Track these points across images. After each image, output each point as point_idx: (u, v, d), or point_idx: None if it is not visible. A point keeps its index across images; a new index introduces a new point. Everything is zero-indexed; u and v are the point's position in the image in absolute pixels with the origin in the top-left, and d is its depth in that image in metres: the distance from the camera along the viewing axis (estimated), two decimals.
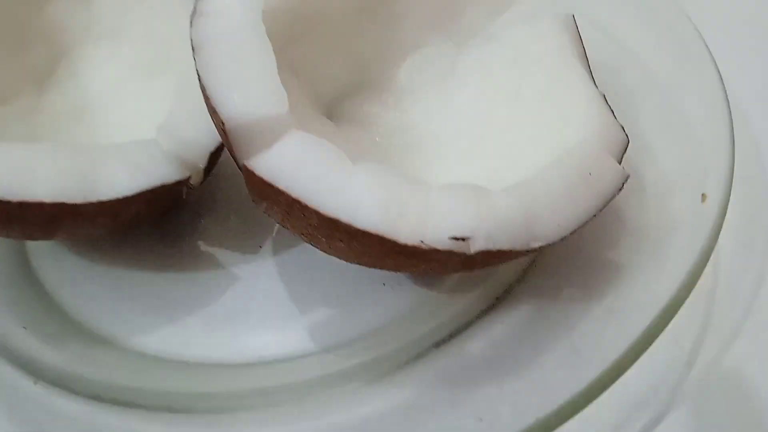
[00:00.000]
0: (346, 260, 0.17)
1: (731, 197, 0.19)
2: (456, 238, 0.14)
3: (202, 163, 0.18)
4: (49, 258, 0.22)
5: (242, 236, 0.22)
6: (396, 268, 0.16)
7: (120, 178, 0.17)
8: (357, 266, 0.18)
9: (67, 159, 0.17)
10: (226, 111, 0.15)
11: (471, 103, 0.21)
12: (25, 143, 0.17)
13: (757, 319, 0.21)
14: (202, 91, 0.15)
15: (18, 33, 0.23)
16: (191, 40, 0.16)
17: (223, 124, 0.15)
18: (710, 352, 0.20)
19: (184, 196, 0.19)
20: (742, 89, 0.24)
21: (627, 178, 0.17)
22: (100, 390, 0.18)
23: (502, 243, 0.14)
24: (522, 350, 0.17)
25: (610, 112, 0.18)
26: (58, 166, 0.16)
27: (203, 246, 0.22)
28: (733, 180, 0.19)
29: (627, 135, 0.18)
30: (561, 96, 0.19)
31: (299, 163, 0.14)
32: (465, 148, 0.20)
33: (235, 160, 0.15)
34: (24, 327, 0.20)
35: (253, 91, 0.15)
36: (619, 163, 0.17)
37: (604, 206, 0.16)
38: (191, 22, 0.16)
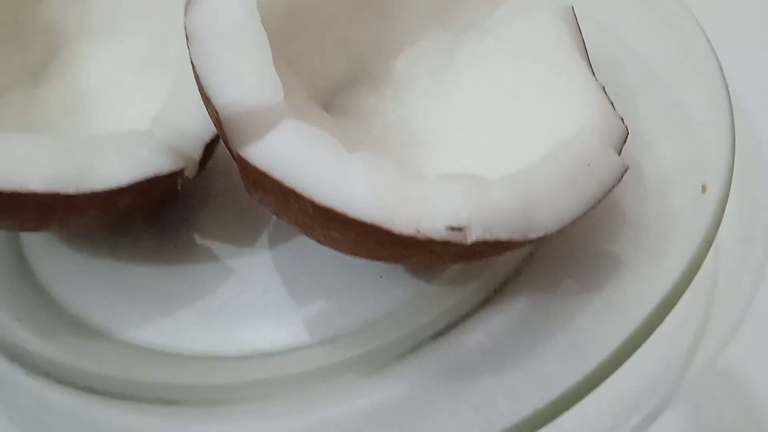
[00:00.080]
0: (342, 251, 0.17)
1: (731, 193, 0.19)
2: (452, 228, 0.14)
3: (196, 155, 0.18)
4: (43, 250, 0.22)
5: (238, 229, 0.22)
6: (392, 259, 0.16)
7: (114, 169, 0.17)
8: (353, 259, 0.17)
9: (60, 149, 0.17)
10: (220, 100, 0.14)
11: (469, 95, 0.21)
12: (18, 133, 0.17)
13: (757, 315, 0.21)
14: (196, 80, 0.15)
15: (14, 26, 0.23)
16: (185, 28, 0.15)
17: (217, 112, 0.14)
18: (710, 348, 0.20)
19: (179, 188, 0.19)
20: (743, 85, 0.24)
21: (626, 169, 0.17)
22: (94, 382, 0.18)
23: (500, 233, 0.14)
24: (520, 342, 0.17)
25: (610, 104, 0.18)
26: (51, 156, 0.16)
27: (198, 239, 0.22)
28: (733, 175, 0.19)
29: (626, 127, 0.17)
30: (560, 88, 0.19)
31: (294, 152, 0.14)
32: (463, 140, 0.20)
33: (230, 150, 0.15)
34: (17, 319, 0.20)
35: (248, 79, 0.15)
36: (619, 154, 0.17)
37: (603, 197, 0.16)
38: (185, 11, 0.16)
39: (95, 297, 0.20)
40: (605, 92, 0.18)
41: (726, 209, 0.18)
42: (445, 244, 0.14)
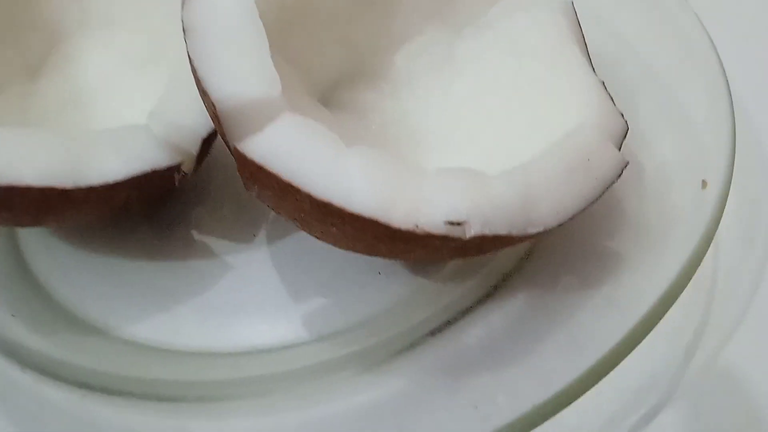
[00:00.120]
0: (340, 247, 0.17)
1: (731, 191, 0.19)
2: (451, 223, 0.14)
3: (194, 150, 0.18)
4: (40, 245, 0.21)
5: (236, 225, 0.21)
6: (390, 255, 0.16)
7: (110, 163, 0.17)
8: (352, 255, 0.17)
9: (56, 143, 0.17)
10: (217, 93, 0.14)
11: (468, 91, 0.21)
12: (13, 127, 0.17)
13: (757, 314, 0.21)
14: (193, 74, 0.15)
15: (11, 22, 0.22)
16: (182, 21, 0.15)
17: (214, 106, 0.14)
18: (709, 346, 0.20)
19: (176, 184, 0.19)
20: (743, 83, 0.24)
21: (626, 165, 0.16)
22: (90, 378, 0.18)
23: (499, 228, 0.14)
24: (519, 339, 0.17)
25: (610, 99, 0.18)
26: (47, 151, 0.16)
27: (196, 235, 0.21)
28: (734, 173, 0.19)
29: (626, 122, 0.17)
30: (559, 83, 0.19)
31: (292, 146, 0.14)
32: (462, 137, 0.20)
33: (227, 144, 0.15)
34: (12, 315, 0.19)
35: (245, 72, 0.14)
36: (619, 150, 0.17)
37: (603, 193, 0.16)
38: (183, 4, 0.16)
39: (92, 293, 0.20)
40: (605, 88, 0.18)
41: (726, 207, 0.18)
42: (444, 239, 0.14)
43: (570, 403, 0.16)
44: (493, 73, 0.21)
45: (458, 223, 0.14)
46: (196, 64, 0.15)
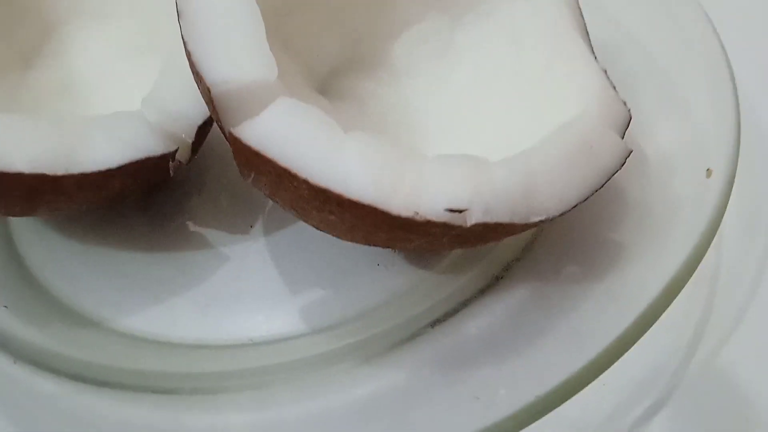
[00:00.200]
0: (338, 236, 0.16)
1: (735, 181, 0.18)
2: (452, 210, 0.14)
3: (189, 137, 0.18)
4: (33, 236, 0.21)
5: (232, 216, 0.21)
6: (389, 244, 0.16)
7: (103, 150, 0.16)
8: (351, 246, 0.17)
9: (48, 130, 0.16)
10: (212, 76, 0.14)
11: (468, 79, 0.21)
12: (4, 114, 0.16)
13: (759, 309, 0.20)
14: (188, 58, 0.15)
15: (4, 9, 0.22)
16: (176, 4, 0.15)
17: (209, 90, 0.14)
18: (711, 340, 0.20)
19: (171, 174, 0.19)
20: (746, 72, 0.23)
21: (629, 153, 0.16)
22: (84, 370, 0.17)
23: (501, 216, 0.14)
24: (520, 330, 0.17)
25: (612, 87, 0.17)
26: (39, 137, 0.16)
27: (192, 226, 0.21)
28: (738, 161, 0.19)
29: (629, 110, 0.17)
30: (560, 70, 0.18)
31: (288, 131, 0.14)
32: (462, 125, 0.20)
33: (222, 129, 0.15)
34: (5, 306, 0.19)
35: (241, 55, 0.14)
36: (622, 138, 0.16)
37: (606, 181, 0.16)
38: None
39: (86, 284, 0.20)
40: (607, 76, 0.17)
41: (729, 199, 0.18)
42: (445, 227, 0.14)
43: (571, 396, 0.15)
44: (493, 60, 0.20)
45: (459, 211, 0.14)
46: (190, 48, 0.14)
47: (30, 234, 0.21)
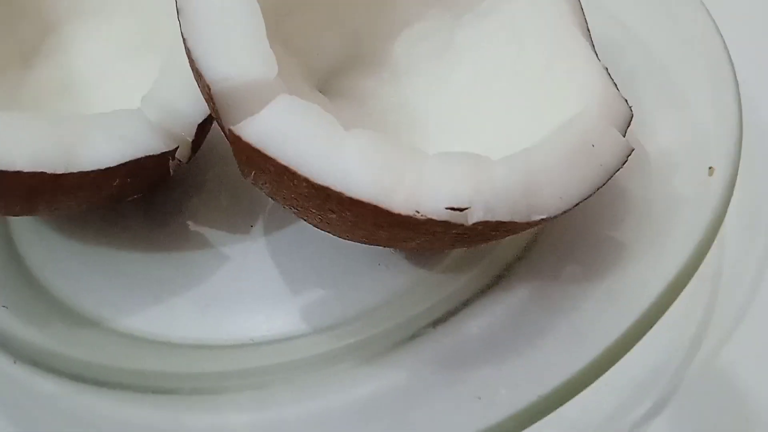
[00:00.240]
0: (339, 235, 0.16)
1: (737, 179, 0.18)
2: (453, 209, 0.13)
3: (189, 136, 0.18)
4: (33, 236, 0.21)
5: (233, 215, 0.21)
6: (390, 243, 0.16)
7: (103, 149, 0.16)
8: (351, 245, 0.17)
9: (48, 128, 0.16)
10: (212, 74, 0.14)
11: (468, 78, 0.21)
12: (3, 112, 0.16)
13: (761, 309, 0.20)
14: (187, 55, 0.15)
15: (4, 8, 0.22)
16: (176, 1, 0.15)
17: (209, 87, 0.14)
18: (714, 338, 0.20)
19: (171, 173, 0.19)
20: (746, 70, 0.23)
21: (631, 151, 0.16)
22: (84, 370, 0.17)
23: (502, 214, 0.14)
24: (521, 330, 0.17)
25: (613, 85, 0.17)
26: (39, 135, 0.16)
27: (192, 225, 0.21)
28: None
29: (631, 108, 0.17)
30: (561, 69, 0.18)
31: (288, 129, 0.14)
32: (462, 124, 0.20)
33: (222, 127, 0.15)
34: (5, 306, 0.19)
35: (241, 53, 0.14)
36: (623, 136, 0.16)
37: (608, 179, 0.15)
38: None
39: (86, 284, 0.20)
40: (609, 74, 0.17)
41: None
42: (446, 225, 0.14)
43: (571, 397, 0.15)
44: (493, 59, 0.20)
45: (460, 209, 0.14)
46: (190, 45, 0.14)
47: (30, 234, 0.21)
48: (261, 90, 0.14)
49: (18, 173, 0.15)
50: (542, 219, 0.14)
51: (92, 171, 0.16)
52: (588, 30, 0.19)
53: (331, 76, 0.21)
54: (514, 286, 0.18)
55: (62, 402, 0.17)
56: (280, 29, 0.18)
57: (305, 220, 0.16)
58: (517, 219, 0.14)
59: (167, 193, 0.22)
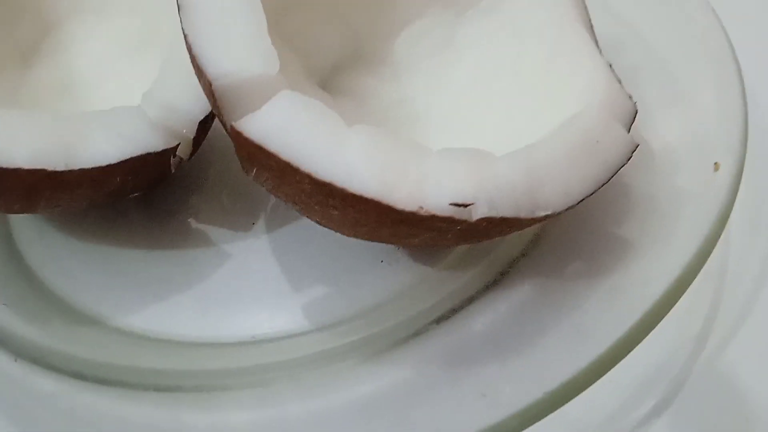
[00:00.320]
0: (342, 232, 0.16)
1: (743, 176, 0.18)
2: (457, 205, 0.13)
3: (190, 133, 0.18)
4: (33, 234, 0.21)
5: (235, 213, 0.21)
6: (393, 239, 0.16)
7: (103, 146, 0.16)
8: (354, 242, 0.17)
9: (48, 125, 0.16)
10: (213, 70, 0.14)
11: (470, 75, 0.20)
12: (4, 109, 0.16)
13: (764, 309, 0.20)
14: (189, 51, 0.15)
15: (4, 8, 0.22)
16: None
17: (210, 84, 0.14)
18: (718, 336, 0.20)
19: (173, 170, 0.19)
20: (750, 65, 0.23)
21: (636, 147, 0.16)
22: (84, 368, 0.17)
23: (506, 210, 0.14)
24: (525, 327, 0.17)
25: (617, 81, 0.17)
26: (39, 132, 0.16)
27: (194, 223, 0.21)
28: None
29: (635, 104, 0.17)
30: (564, 65, 0.18)
31: (290, 125, 0.13)
32: (464, 121, 0.20)
33: (223, 123, 0.15)
34: (5, 304, 0.19)
35: (243, 49, 0.14)
36: (628, 132, 0.16)
37: (613, 175, 0.15)
38: None
39: (86, 282, 0.20)
40: (612, 69, 0.17)
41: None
42: (449, 222, 0.14)
43: (576, 394, 0.15)
44: (495, 56, 0.20)
45: (464, 205, 0.13)
46: (191, 41, 0.14)
47: (30, 232, 0.21)
48: (263, 86, 0.14)
49: (18, 170, 0.15)
50: (546, 215, 0.14)
51: (93, 168, 0.16)
52: (591, 26, 0.18)
53: (332, 75, 0.21)
54: (517, 284, 0.18)
55: (62, 400, 0.17)
56: (281, 26, 0.18)
57: (307, 217, 0.16)
58: (520, 215, 0.14)
59: (168, 191, 0.22)
